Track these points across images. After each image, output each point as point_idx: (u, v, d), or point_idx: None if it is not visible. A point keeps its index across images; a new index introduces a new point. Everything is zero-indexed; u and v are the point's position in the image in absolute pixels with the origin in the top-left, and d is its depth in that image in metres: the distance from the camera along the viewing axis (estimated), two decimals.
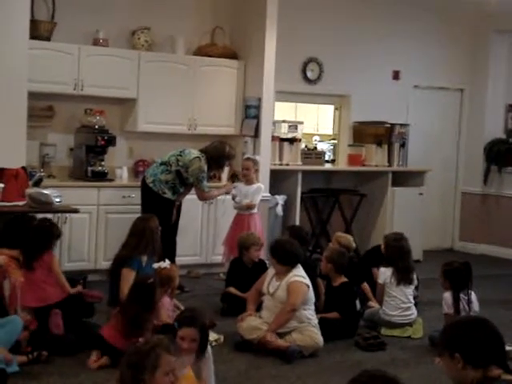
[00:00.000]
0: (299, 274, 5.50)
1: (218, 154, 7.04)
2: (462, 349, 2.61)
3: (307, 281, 5.49)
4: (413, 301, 6.20)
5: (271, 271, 5.69)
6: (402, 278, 6.11)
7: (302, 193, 8.67)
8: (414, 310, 6.18)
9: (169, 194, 6.85)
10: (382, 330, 6.01)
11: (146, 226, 5.91)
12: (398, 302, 6.10)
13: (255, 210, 7.53)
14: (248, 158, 7.74)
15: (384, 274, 6.18)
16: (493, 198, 10.13)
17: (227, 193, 7.48)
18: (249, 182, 7.56)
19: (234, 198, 7.52)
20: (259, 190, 7.59)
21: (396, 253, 6.20)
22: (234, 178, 7.68)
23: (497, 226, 10.02)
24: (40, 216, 5.91)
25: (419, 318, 6.19)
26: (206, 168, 6.91)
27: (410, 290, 6.18)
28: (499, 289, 7.94)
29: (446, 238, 10.44)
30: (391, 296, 6.12)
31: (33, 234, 5.39)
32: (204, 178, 6.93)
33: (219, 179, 7.92)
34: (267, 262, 6.64)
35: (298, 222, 8.50)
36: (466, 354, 2.60)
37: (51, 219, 5.89)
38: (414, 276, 6.27)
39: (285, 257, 5.53)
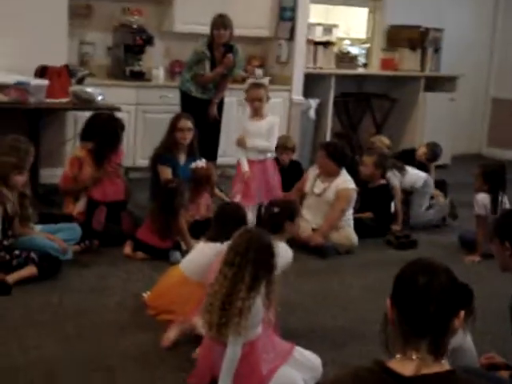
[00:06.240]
0: (347, 178, 5.70)
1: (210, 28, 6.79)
2: None
3: (353, 185, 5.70)
4: None
5: (312, 172, 5.87)
6: None
7: (335, 96, 8.74)
8: None
9: (196, 93, 6.85)
10: None
11: (172, 124, 5.98)
12: None
13: (269, 155, 6.18)
14: (257, 85, 6.24)
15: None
16: None
17: (227, 67, 6.78)
18: (259, 116, 6.07)
19: (240, 144, 6.04)
20: (275, 124, 6.13)
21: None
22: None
23: None
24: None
25: None
26: (201, 49, 6.73)
27: None
28: None
29: (474, 143, 10.51)
30: None
31: (100, 134, 5.55)
32: (197, 61, 6.72)
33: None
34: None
35: (329, 126, 8.61)
36: None
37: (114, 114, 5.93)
38: None
39: (340, 156, 5.71)
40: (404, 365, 1.82)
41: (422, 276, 1.86)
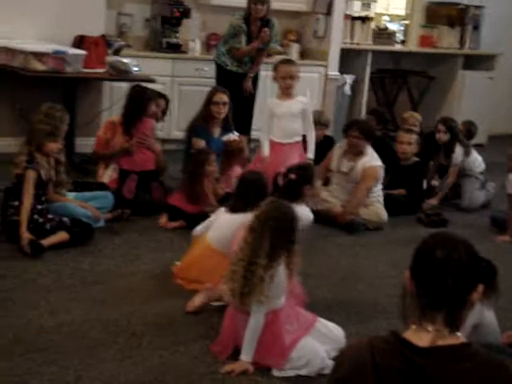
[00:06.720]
0: (374, 156, 5.70)
1: (247, 2, 6.69)
2: None
3: (380, 162, 5.70)
4: None
5: (338, 149, 5.86)
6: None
7: (371, 73, 8.68)
8: None
9: (231, 66, 6.83)
10: None
11: (208, 97, 5.98)
12: None
13: (299, 138, 5.83)
14: (289, 61, 5.97)
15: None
16: None
17: (263, 42, 6.66)
18: (288, 95, 5.75)
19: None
20: (307, 106, 5.83)
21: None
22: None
23: None
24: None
25: None
26: (238, 23, 6.66)
27: None
28: None
29: None
30: None
31: (127, 103, 5.64)
32: (234, 35, 6.67)
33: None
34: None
35: (365, 102, 8.56)
36: None
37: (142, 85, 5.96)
38: None
39: (371, 134, 5.74)
40: (419, 336, 1.84)
41: (441, 249, 1.86)
